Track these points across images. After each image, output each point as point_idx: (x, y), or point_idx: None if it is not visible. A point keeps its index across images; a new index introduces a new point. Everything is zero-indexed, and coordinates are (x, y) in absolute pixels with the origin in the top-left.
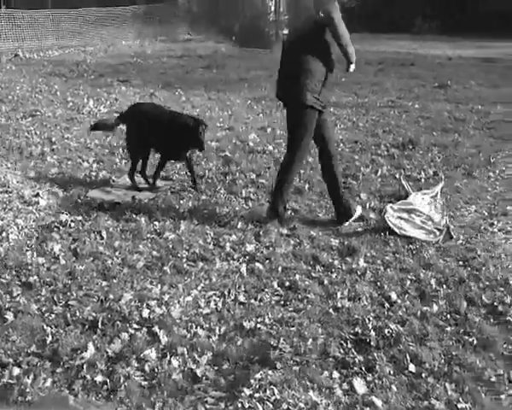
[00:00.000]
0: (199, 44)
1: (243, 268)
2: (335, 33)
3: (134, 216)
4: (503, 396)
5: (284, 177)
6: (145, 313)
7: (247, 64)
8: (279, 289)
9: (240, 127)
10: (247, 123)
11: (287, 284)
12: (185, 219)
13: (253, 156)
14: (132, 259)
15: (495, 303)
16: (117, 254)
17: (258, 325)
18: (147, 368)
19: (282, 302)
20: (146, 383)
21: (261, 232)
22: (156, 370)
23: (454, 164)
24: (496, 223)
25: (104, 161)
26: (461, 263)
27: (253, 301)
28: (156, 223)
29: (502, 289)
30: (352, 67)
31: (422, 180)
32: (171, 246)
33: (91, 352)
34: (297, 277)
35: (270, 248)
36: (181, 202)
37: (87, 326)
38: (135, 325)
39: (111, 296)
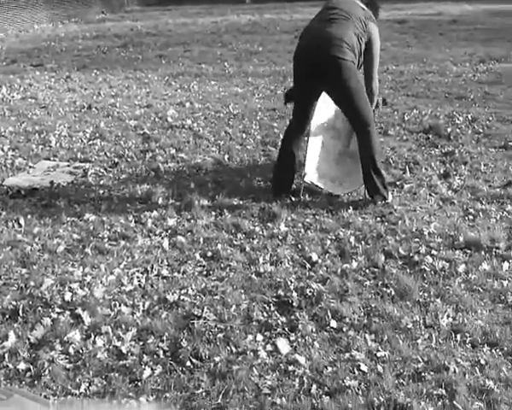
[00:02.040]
0: (115, 24)
1: (165, 243)
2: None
3: (53, 201)
4: (419, 341)
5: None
6: (67, 296)
7: (166, 40)
8: (202, 259)
9: (158, 104)
10: (165, 99)
11: (209, 254)
12: (105, 199)
13: (172, 132)
14: (52, 243)
15: (411, 254)
16: (36, 240)
17: (182, 297)
18: (71, 350)
19: (205, 272)
20: (71, 365)
21: (182, 206)
22: (81, 351)
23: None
24: (410, 177)
25: (20, 148)
26: (378, 219)
27: (176, 273)
28: (76, 206)
29: (417, 240)
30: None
31: None
32: (91, 227)
33: (12, 340)
34: (219, 246)
35: (192, 221)
36: (101, 182)
37: (7, 316)
38: (57, 309)
39: (31, 283)
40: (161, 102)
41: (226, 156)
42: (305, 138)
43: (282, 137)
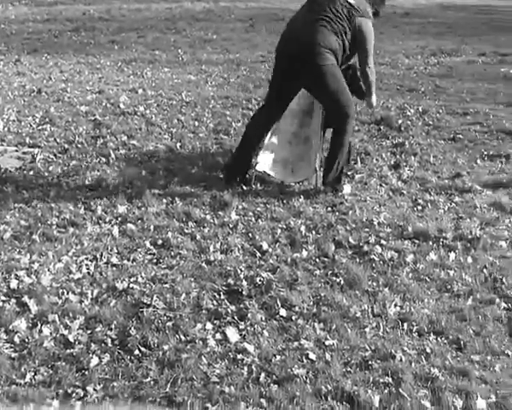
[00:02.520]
0: (67, 7)
1: (115, 230)
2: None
3: (0, 186)
4: (367, 330)
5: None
6: (13, 283)
7: (119, 26)
8: (152, 247)
9: (110, 90)
10: (117, 85)
11: (159, 242)
12: (54, 185)
13: (124, 118)
14: None
15: (360, 244)
16: None
17: (132, 285)
18: (17, 339)
19: (155, 261)
20: (16, 354)
21: (133, 194)
22: (27, 340)
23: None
24: (361, 167)
25: None
26: (329, 209)
27: (125, 261)
28: (24, 192)
29: (367, 230)
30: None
31: None
32: (39, 214)
33: None
34: (169, 234)
35: (142, 209)
36: (50, 168)
37: None
38: (3, 297)
39: None
40: (113, 89)
41: (178, 144)
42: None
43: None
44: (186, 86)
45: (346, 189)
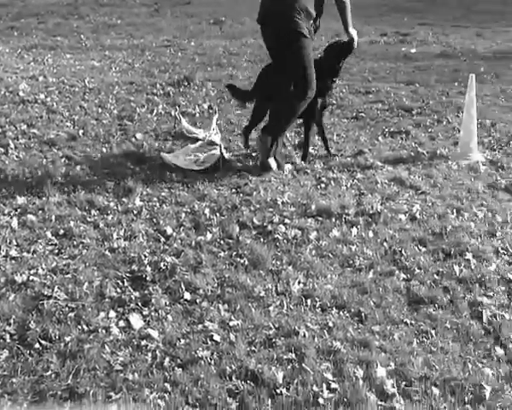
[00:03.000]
0: None
1: (14, 222)
2: None
3: None
4: (271, 308)
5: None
6: None
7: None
8: (53, 238)
9: (9, 78)
10: (16, 73)
11: (61, 232)
12: None
13: (24, 107)
14: None
15: (264, 224)
16: None
17: (32, 277)
18: None
19: (57, 251)
20: None
21: (33, 183)
22: None
23: (227, 97)
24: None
25: None
26: (234, 191)
27: (25, 254)
28: None
29: (271, 209)
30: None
31: (197, 115)
32: None
33: None
34: (71, 223)
35: (43, 198)
36: None
37: None
38: None
39: None
40: (12, 76)
41: (81, 131)
42: None
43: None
44: (89, 72)
45: (287, 167)
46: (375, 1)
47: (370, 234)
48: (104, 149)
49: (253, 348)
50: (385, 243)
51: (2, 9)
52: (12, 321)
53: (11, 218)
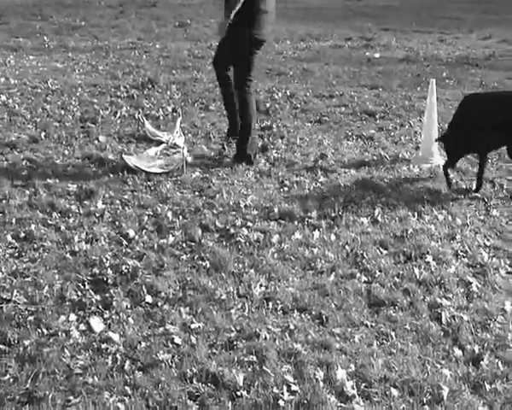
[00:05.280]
0: None
1: None
2: None
3: None
4: (232, 311)
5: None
6: None
7: None
8: (13, 241)
9: None
10: None
11: (22, 235)
12: None
13: None
14: None
15: (227, 227)
16: None
17: None
18: None
19: (17, 254)
20: None
21: None
22: None
23: (192, 100)
24: (230, 152)
25: None
26: (197, 194)
27: None
28: None
29: (234, 213)
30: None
31: (161, 117)
32: None
33: None
34: (32, 226)
35: (4, 201)
36: None
37: None
38: None
39: None
40: None
41: (43, 134)
42: None
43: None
44: (52, 74)
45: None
46: (340, 6)
47: (332, 237)
48: (66, 152)
49: (214, 350)
50: (346, 246)
51: None
52: None
53: None
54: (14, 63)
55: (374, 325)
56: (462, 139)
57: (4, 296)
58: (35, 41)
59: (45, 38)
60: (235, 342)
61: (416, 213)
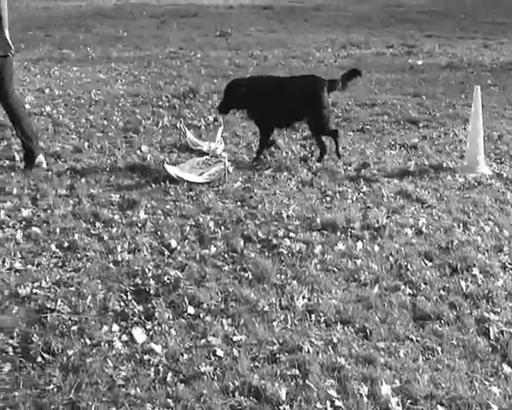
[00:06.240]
0: None
1: (19, 234)
2: None
3: None
4: (275, 323)
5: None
6: None
7: (25, 24)
8: (57, 250)
9: (15, 90)
10: (23, 85)
11: (66, 244)
12: None
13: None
14: None
15: (269, 237)
16: None
17: (35, 290)
18: None
19: (61, 264)
20: None
21: (38, 196)
22: None
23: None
24: (272, 162)
25: None
26: (238, 203)
27: (29, 266)
28: None
29: (276, 223)
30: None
31: (203, 127)
32: None
33: None
34: (76, 236)
35: (48, 211)
36: None
37: None
38: None
39: None
40: (19, 88)
41: (86, 144)
42: None
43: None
44: (95, 85)
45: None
46: (381, 13)
47: (376, 248)
48: (109, 162)
49: (257, 363)
50: (390, 258)
51: (9, 22)
52: (15, 334)
53: (16, 230)
54: (59, 74)
55: (419, 339)
56: None
57: (49, 306)
58: (79, 52)
59: (89, 49)
60: (277, 355)
61: (461, 224)
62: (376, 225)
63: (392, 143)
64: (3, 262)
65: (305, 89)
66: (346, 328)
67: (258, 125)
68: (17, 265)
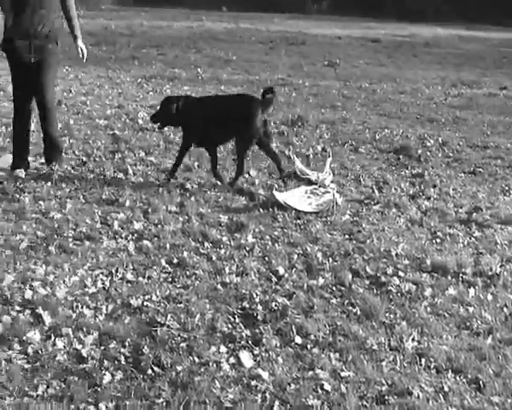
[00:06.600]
0: (88, 21)
1: (131, 246)
2: None
3: (17, 196)
4: (383, 363)
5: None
6: (28, 294)
7: (140, 42)
8: (167, 266)
9: (129, 105)
10: (136, 101)
11: (175, 260)
12: (72, 198)
13: (143, 134)
14: (15, 240)
15: (378, 274)
16: None
17: (146, 303)
18: (30, 350)
19: (170, 279)
20: (29, 366)
21: (149, 210)
22: (40, 352)
23: (341, 140)
24: (380, 197)
25: None
26: (346, 236)
27: (140, 278)
28: (41, 202)
29: (384, 260)
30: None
31: (311, 156)
32: (56, 226)
33: None
34: (185, 253)
35: (159, 226)
36: (67, 180)
37: None
38: (17, 307)
39: None
40: (132, 104)
41: (196, 163)
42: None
43: None
44: None
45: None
46: (494, 52)
47: (489, 297)
48: (218, 183)
49: (365, 402)
50: (505, 309)
51: (125, 39)
52: (127, 344)
53: (128, 242)
54: (170, 92)
55: None
56: None
57: (159, 320)
58: (189, 72)
59: (199, 69)
60: (386, 397)
61: None
62: (489, 273)
63: (506, 188)
64: (116, 271)
65: (238, 109)
66: (457, 377)
67: (184, 141)
68: (129, 276)
